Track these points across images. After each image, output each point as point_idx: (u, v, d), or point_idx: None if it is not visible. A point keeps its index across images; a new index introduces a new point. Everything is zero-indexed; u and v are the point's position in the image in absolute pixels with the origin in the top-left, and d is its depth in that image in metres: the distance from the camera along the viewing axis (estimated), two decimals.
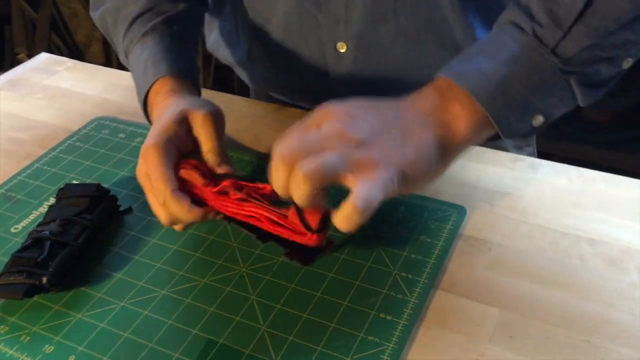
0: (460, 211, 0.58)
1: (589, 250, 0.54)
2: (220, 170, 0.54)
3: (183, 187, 0.53)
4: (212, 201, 0.53)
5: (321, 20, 0.67)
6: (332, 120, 0.48)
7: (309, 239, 0.51)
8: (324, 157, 0.45)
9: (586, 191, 0.60)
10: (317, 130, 0.48)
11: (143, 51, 0.65)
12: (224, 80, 2.19)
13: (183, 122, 0.55)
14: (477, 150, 0.66)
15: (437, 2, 0.63)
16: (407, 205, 0.59)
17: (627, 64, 0.53)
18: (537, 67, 0.51)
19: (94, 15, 0.72)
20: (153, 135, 0.54)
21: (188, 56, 0.66)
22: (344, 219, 0.45)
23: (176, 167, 0.54)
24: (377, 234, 0.56)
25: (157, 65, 0.62)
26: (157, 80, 0.62)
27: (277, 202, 0.51)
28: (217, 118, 0.57)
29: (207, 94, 0.75)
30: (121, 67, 0.78)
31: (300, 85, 0.77)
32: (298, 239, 0.51)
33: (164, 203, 0.52)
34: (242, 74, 0.85)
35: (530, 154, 0.81)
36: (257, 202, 0.52)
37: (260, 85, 0.84)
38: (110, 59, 2.65)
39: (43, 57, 0.93)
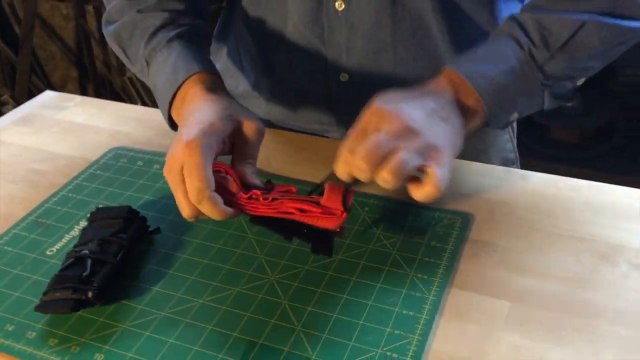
0: (464, 218, 0.64)
1: (582, 248, 0.60)
2: (251, 180, 0.59)
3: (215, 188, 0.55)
4: (241, 205, 0.57)
5: (325, 53, 0.74)
6: (387, 120, 0.55)
7: (338, 220, 0.55)
8: (401, 155, 0.52)
9: (574, 197, 0.67)
10: (380, 131, 0.54)
11: (170, 54, 0.67)
12: None
13: (230, 124, 0.58)
14: (472, 165, 0.72)
15: (430, 34, 0.71)
16: (416, 215, 0.65)
17: (580, 82, 0.68)
18: (526, 79, 0.62)
19: (107, 31, 0.75)
20: (198, 129, 0.55)
21: (210, 61, 0.69)
22: (425, 194, 0.54)
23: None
24: (392, 242, 0.62)
25: (189, 63, 0.65)
26: (191, 76, 0.63)
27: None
28: (263, 132, 0.62)
29: None
30: None
31: (305, 113, 0.83)
32: (327, 222, 0.55)
33: (198, 201, 0.53)
34: (245, 104, 0.90)
35: (513, 164, 0.89)
36: (286, 199, 0.56)
37: (263, 115, 0.89)
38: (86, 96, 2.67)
39: (49, 95, 0.97)
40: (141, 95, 2.39)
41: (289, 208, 0.56)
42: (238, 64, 0.86)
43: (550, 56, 0.62)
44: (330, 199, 0.56)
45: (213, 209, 0.54)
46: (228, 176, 0.57)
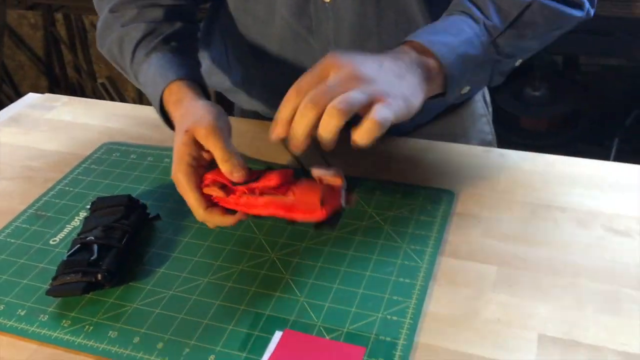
0: (449, 194, 0.68)
1: (561, 216, 0.64)
2: (236, 176, 0.60)
3: (211, 200, 0.60)
4: (236, 207, 0.60)
5: (313, 43, 0.77)
6: (340, 67, 0.56)
7: (320, 214, 0.57)
8: (349, 94, 0.53)
9: (550, 171, 0.71)
10: (333, 75, 0.56)
11: (149, 68, 0.71)
12: None
13: (192, 142, 0.61)
14: (453, 146, 0.77)
15: (413, 22, 0.74)
16: (404, 193, 0.69)
17: (518, 63, 0.71)
18: (482, 51, 0.65)
19: (102, 50, 0.79)
20: (175, 163, 0.61)
21: (188, 63, 0.72)
22: (365, 131, 0.52)
23: (201, 182, 0.61)
24: (383, 218, 0.65)
25: (163, 75, 0.69)
26: (166, 87, 0.68)
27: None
28: (219, 127, 0.61)
29: None
30: None
31: None
32: (310, 217, 0.58)
33: (203, 220, 0.60)
34: (234, 98, 0.93)
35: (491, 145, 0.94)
36: (270, 196, 0.60)
37: (253, 107, 0.92)
38: None
39: (34, 96, 0.98)
40: (115, 100, 2.39)
41: (276, 208, 0.59)
42: (224, 59, 0.89)
43: (502, 31, 0.66)
44: (305, 194, 0.58)
45: (214, 221, 0.60)
46: (213, 187, 0.60)
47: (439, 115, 0.90)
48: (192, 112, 0.64)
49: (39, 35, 2.60)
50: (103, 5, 0.78)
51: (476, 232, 0.63)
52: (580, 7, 0.69)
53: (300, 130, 0.54)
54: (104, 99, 2.37)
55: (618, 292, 0.55)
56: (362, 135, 0.52)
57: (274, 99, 0.88)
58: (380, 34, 0.74)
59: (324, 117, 0.53)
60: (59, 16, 2.37)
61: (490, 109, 0.99)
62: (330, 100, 0.53)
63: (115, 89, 2.43)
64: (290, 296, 0.57)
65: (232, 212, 0.61)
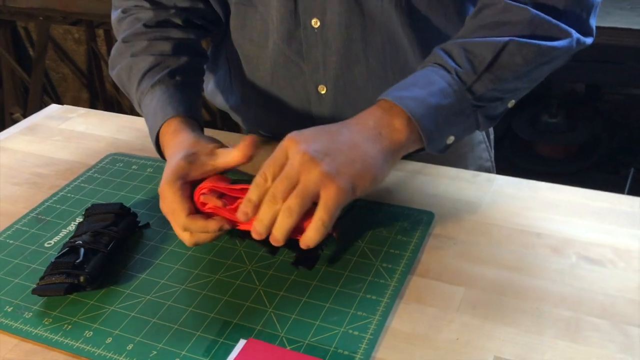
0: (429, 215, 0.69)
1: (536, 241, 0.65)
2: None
3: (204, 210, 0.63)
4: (231, 216, 0.63)
5: (303, 67, 0.80)
6: (295, 149, 0.59)
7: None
8: (297, 191, 0.57)
9: (534, 197, 0.72)
10: (290, 158, 0.59)
11: (152, 100, 0.76)
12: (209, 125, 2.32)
13: (193, 161, 0.65)
14: (444, 169, 0.78)
15: (400, 46, 0.76)
16: (385, 212, 0.70)
17: (511, 104, 0.71)
18: (457, 99, 0.65)
19: (112, 73, 0.83)
20: (165, 175, 0.64)
21: (190, 100, 0.76)
22: (308, 238, 0.58)
23: (196, 192, 0.64)
24: (361, 235, 0.67)
25: (164, 109, 0.73)
26: (165, 122, 0.72)
27: None
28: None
29: (209, 132, 0.86)
30: None
31: (288, 123, 0.89)
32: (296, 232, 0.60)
33: (184, 226, 0.62)
34: (236, 117, 0.96)
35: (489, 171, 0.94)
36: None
37: (253, 126, 0.95)
38: None
39: (54, 107, 1.04)
40: None
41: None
42: (228, 80, 0.93)
43: (477, 77, 0.65)
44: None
45: (196, 225, 0.62)
46: (211, 195, 0.63)
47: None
48: (194, 137, 0.69)
49: (82, 50, 2.71)
50: (118, 34, 0.83)
51: (450, 253, 0.64)
52: (565, 36, 0.68)
53: (264, 224, 0.59)
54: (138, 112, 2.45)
55: (581, 319, 0.56)
56: (306, 241, 0.58)
57: (268, 119, 0.91)
58: (367, 58, 0.76)
59: (279, 217, 0.57)
60: (100, 32, 2.47)
61: (492, 137, 1.00)
62: (284, 193, 0.58)
63: None
64: (259, 306, 0.59)
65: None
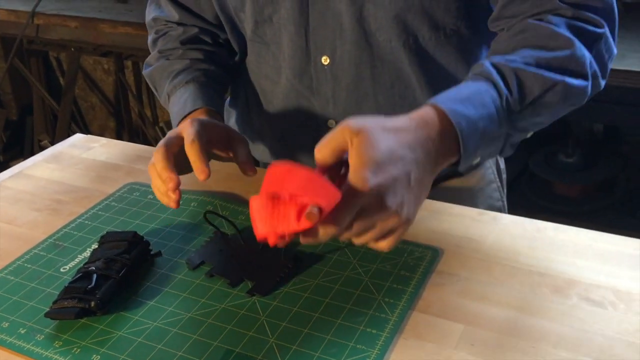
0: (434, 252, 0.70)
1: (539, 281, 0.66)
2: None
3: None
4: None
5: (314, 102, 0.82)
6: (381, 198, 0.56)
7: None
8: (375, 234, 0.58)
9: (538, 237, 0.72)
10: (375, 208, 0.56)
11: (184, 93, 0.85)
12: None
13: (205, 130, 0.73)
14: (450, 206, 0.79)
15: (408, 84, 0.79)
16: None
17: (529, 134, 0.73)
18: (499, 127, 0.65)
19: (145, 72, 0.93)
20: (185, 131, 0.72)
21: (219, 100, 0.87)
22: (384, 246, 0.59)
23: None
24: (365, 270, 0.68)
25: (195, 101, 0.83)
26: (195, 109, 0.82)
27: None
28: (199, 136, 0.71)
29: (226, 165, 0.89)
30: None
31: (299, 155, 0.91)
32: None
33: (161, 173, 0.70)
34: (253, 150, 0.99)
35: (501, 210, 0.95)
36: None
37: (268, 159, 0.98)
38: None
39: (79, 137, 1.08)
40: None
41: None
42: (247, 114, 0.96)
43: (521, 109, 0.66)
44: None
45: (161, 162, 0.71)
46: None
47: (447, 178, 0.93)
48: (199, 119, 0.76)
49: (110, 80, 2.79)
50: (153, 49, 0.93)
51: (452, 290, 0.65)
52: (593, 78, 0.69)
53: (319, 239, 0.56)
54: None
55: None
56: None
57: (282, 151, 0.94)
58: (376, 95, 0.79)
59: (343, 236, 0.58)
60: (128, 63, 2.55)
61: (504, 176, 1.00)
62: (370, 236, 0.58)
63: None
64: (262, 336, 0.61)
65: None
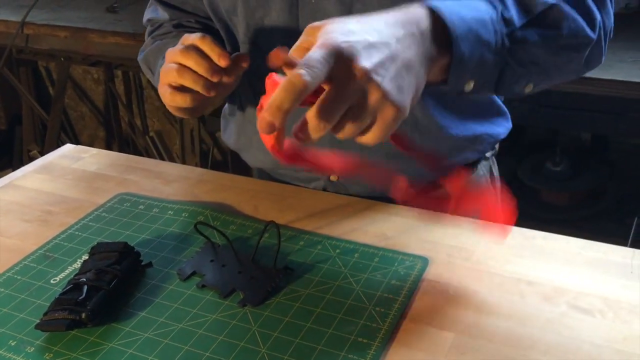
0: (424, 261, 0.71)
1: (527, 289, 0.66)
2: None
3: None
4: None
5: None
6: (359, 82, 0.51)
7: None
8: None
9: (527, 246, 0.73)
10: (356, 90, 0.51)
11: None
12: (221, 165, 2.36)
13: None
14: (440, 215, 0.79)
15: None
16: (381, 257, 0.72)
17: (528, 88, 0.68)
18: (494, 39, 0.61)
19: (140, 57, 0.95)
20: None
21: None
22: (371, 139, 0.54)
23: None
24: (356, 279, 0.69)
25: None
26: None
27: None
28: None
29: (211, 175, 0.89)
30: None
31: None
32: None
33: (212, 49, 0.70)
34: (245, 156, 0.99)
35: None
36: None
37: (257, 164, 0.98)
38: None
39: (69, 147, 1.07)
40: (161, 153, 2.52)
41: None
42: (242, 118, 0.96)
43: (519, 27, 0.62)
44: None
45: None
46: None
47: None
48: None
49: (100, 90, 2.79)
50: (146, 34, 0.96)
51: (442, 299, 0.66)
52: (594, 29, 0.69)
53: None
54: (152, 151, 2.51)
55: None
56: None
57: (273, 160, 0.94)
58: None
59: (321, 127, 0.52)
60: (118, 72, 2.55)
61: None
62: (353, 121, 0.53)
63: (163, 142, 2.57)
64: (253, 347, 0.61)
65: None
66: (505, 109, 0.95)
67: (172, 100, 0.75)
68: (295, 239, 0.76)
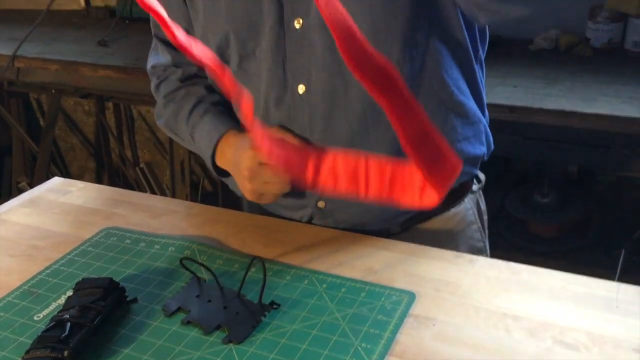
0: (410, 296, 0.71)
1: (513, 324, 0.66)
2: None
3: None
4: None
5: (292, 132, 0.84)
6: None
7: None
8: None
9: (513, 280, 0.73)
10: None
11: (204, 126, 0.91)
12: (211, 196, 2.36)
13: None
14: (426, 249, 0.80)
15: (380, 112, 0.80)
16: (368, 292, 0.72)
17: (484, 17, 0.71)
18: None
19: (160, 123, 0.99)
20: (250, 146, 0.80)
21: (234, 121, 0.91)
22: None
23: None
24: (343, 315, 0.68)
25: (218, 128, 0.89)
26: (222, 135, 0.88)
27: None
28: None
29: (199, 208, 0.89)
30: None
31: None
32: None
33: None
34: (234, 188, 0.99)
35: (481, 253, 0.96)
36: None
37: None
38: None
39: (56, 180, 1.07)
40: (151, 184, 2.52)
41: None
42: None
43: None
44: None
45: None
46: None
47: (427, 218, 0.94)
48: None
49: (91, 121, 2.79)
50: (158, 97, 0.98)
51: (428, 334, 0.65)
52: None
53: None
54: (142, 182, 2.50)
55: None
56: None
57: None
58: (350, 123, 0.81)
59: None
60: (109, 105, 2.55)
61: (485, 217, 1.01)
62: None
63: (153, 173, 2.56)
64: None
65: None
66: (483, 131, 0.93)
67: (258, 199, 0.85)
68: (282, 273, 0.76)
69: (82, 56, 1.94)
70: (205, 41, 0.88)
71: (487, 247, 1.01)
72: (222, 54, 0.87)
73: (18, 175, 2.52)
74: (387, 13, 0.77)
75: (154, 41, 1.00)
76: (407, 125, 0.51)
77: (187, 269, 0.76)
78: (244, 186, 0.84)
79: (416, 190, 0.57)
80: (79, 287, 0.72)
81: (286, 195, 0.87)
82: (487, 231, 1.01)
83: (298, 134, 0.85)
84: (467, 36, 0.83)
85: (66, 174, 2.88)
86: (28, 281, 0.78)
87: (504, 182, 1.65)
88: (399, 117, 0.51)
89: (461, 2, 0.71)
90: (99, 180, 2.86)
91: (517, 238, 1.62)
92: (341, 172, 0.67)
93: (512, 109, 1.29)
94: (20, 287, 0.77)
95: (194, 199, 2.39)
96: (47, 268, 0.80)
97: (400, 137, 0.52)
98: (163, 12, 0.60)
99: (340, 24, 0.49)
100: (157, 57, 0.99)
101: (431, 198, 0.55)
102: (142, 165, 2.56)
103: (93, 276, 0.77)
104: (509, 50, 1.64)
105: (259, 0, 0.81)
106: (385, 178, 0.62)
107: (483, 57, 0.91)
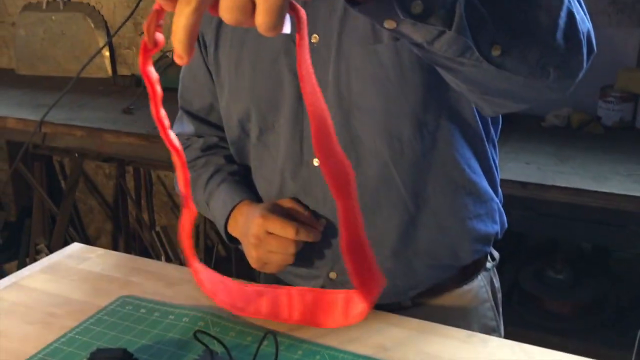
0: None
1: None
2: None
3: None
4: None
5: (306, 202, 0.88)
6: None
7: None
8: None
9: None
10: None
11: (220, 194, 0.94)
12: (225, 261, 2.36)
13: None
14: (437, 328, 0.80)
15: (392, 185, 0.84)
16: None
17: (495, 51, 0.58)
18: None
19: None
20: (259, 214, 0.84)
21: (249, 192, 0.94)
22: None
23: None
24: None
25: (232, 197, 0.92)
26: (236, 205, 0.91)
27: None
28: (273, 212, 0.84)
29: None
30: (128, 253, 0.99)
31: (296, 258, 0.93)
32: None
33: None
34: None
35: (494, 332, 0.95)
36: None
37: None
38: (117, 249, 2.83)
39: (76, 247, 1.10)
40: (166, 248, 2.54)
41: None
42: None
43: None
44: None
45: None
46: None
47: (438, 294, 0.94)
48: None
49: (110, 184, 2.85)
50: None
51: None
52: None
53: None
54: (157, 246, 2.52)
55: None
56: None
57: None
58: (362, 195, 0.82)
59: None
60: (129, 168, 2.61)
61: (499, 295, 1.01)
62: None
63: (168, 237, 2.59)
64: None
65: None
66: (496, 209, 0.93)
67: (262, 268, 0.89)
68: (294, 347, 0.77)
69: (106, 123, 2.00)
70: (229, 114, 0.92)
71: (501, 326, 1.00)
72: (244, 127, 0.91)
73: (36, 237, 2.55)
74: (399, 94, 0.81)
75: (180, 112, 1.04)
76: (351, 227, 0.55)
77: (200, 341, 0.76)
78: (250, 253, 0.86)
79: (340, 312, 0.64)
80: (93, 358, 0.73)
81: (298, 264, 0.88)
82: (501, 310, 1.01)
83: (311, 206, 0.87)
84: (478, 118, 0.86)
85: (83, 235, 2.92)
86: (42, 350, 0.79)
87: (517, 257, 1.65)
88: (346, 217, 0.55)
89: (469, 95, 0.74)
90: (115, 243, 2.89)
91: (531, 314, 1.60)
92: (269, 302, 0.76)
93: (524, 185, 1.31)
94: (34, 355, 0.78)
95: (208, 263, 2.40)
96: (62, 336, 0.82)
97: (341, 238, 0.56)
98: (158, 89, 0.60)
99: (319, 114, 0.51)
100: (181, 127, 1.03)
101: (357, 313, 0.61)
102: (158, 229, 2.59)
103: (108, 346, 0.78)
104: (522, 127, 1.67)
105: (280, 79, 0.86)
106: (307, 305, 0.68)
107: (496, 138, 0.93)
